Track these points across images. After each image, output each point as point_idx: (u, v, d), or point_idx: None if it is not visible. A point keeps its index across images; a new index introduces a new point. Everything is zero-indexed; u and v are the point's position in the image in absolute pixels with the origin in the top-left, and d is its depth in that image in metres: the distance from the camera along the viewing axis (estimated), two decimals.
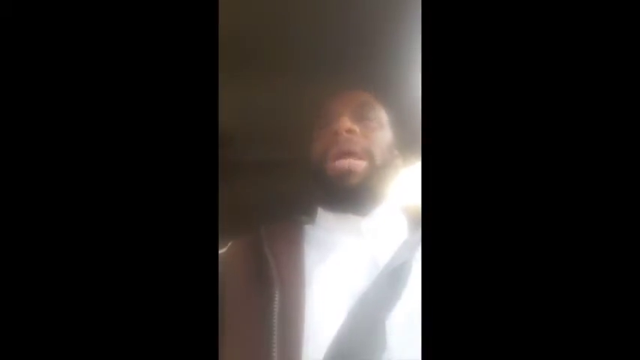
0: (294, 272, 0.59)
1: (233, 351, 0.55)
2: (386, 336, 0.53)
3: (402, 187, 0.77)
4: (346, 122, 0.64)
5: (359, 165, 0.63)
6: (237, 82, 0.81)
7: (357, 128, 0.65)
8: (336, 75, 0.83)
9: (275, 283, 0.57)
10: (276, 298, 0.56)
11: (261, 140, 1.05)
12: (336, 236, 0.66)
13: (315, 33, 0.77)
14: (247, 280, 0.61)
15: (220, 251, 0.68)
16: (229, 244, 0.71)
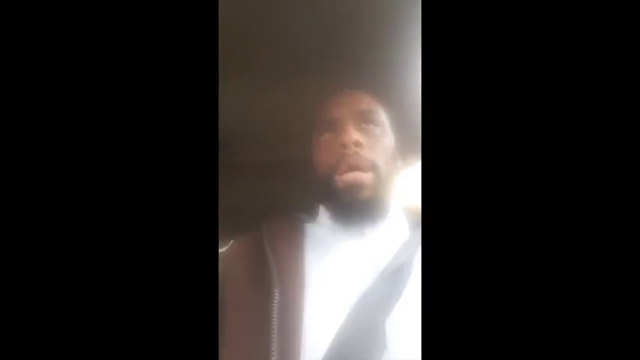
0: (294, 271, 0.60)
1: (233, 350, 0.55)
2: (386, 336, 0.53)
3: (403, 188, 0.77)
4: (353, 134, 0.64)
5: (367, 178, 0.63)
6: (237, 82, 0.81)
7: (363, 140, 0.64)
8: (336, 76, 0.83)
9: (275, 282, 0.57)
10: (276, 298, 0.56)
11: (261, 141, 1.05)
12: (337, 236, 0.66)
13: (315, 34, 0.77)
14: (247, 279, 0.61)
15: (221, 250, 0.68)
16: (230, 242, 0.71)
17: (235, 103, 0.83)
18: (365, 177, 0.63)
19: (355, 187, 0.62)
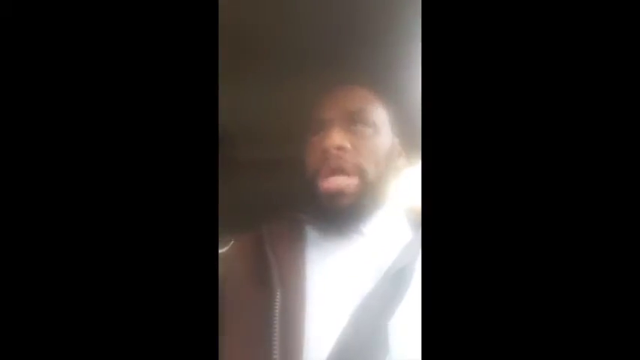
0: (295, 272, 0.59)
1: (233, 351, 0.55)
2: (387, 338, 0.53)
3: (404, 189, 0.76)
4: (336, 138, 0.61)
5: (349, 185, 0.61)
6: (237, 81, 0.81)
7: (347, 143, 0.62)
8: (336, 74, 0.83)
9: (276, 283, 0.57)
10: (277, 299, 0.56)
11: (261, 139, 1.05)
12: (338, 237, 0.65)
13: (314, 33, 0.77)
14: (248, 280, 0.61)
15: (221, 250, 0.68)
16: (231, 242, 0.71)
17: (235, 103, 0.83)
18: (348, 183, 0.61)
19: (336, 194, 0.61)
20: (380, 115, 0.67)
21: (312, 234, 0.68)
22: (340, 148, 0.61)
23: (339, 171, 0.61)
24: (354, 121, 0.64)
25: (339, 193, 0.61)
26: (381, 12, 0.75)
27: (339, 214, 0.63)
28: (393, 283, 0.57)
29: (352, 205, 0.61)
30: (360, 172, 0.62)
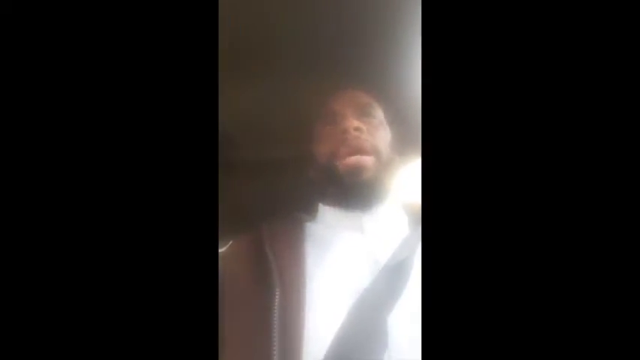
0: (294, 271, 0.60)
1: (233, 350, 0.55)
2: (387, 335, 0.53)
3: (403, 185, 0.77)
4: (353, 121, 0.68)
5: (368, 160, 0.66)
6: (237, 81, 0.81)
7: (363, 126, 0.68)
8: (336, 74, 0.83)
9: (276, 281, 0.57)
10: (277, 297, 0.56)
11: (261, 139, 1.05)
12: (337, 233, 0.66)
13: (315, 33, 0.78)
14: (248, 279, 0.61)
15: (221, 250, 0.68)
16: (230, 242, 0.71)
17: (235, 103, 0.83)
18: (367, 159, 0.66)
19: (357, 169, 0.65)
20: (382, 112, 0.74)
21: (310, 232, 0.68)
22: (358, 129, 0.67)
23: (358, 150, 0.66)
24: (363, 113, 0.71)
25: (360, 169, 0.65)
26: (381, 12, 0.75)
27: (357, 192, 0.67)
28: (391, 278, 0.57)
29: (371, 181, 0.66)
30: (376, 152, 0.68)
